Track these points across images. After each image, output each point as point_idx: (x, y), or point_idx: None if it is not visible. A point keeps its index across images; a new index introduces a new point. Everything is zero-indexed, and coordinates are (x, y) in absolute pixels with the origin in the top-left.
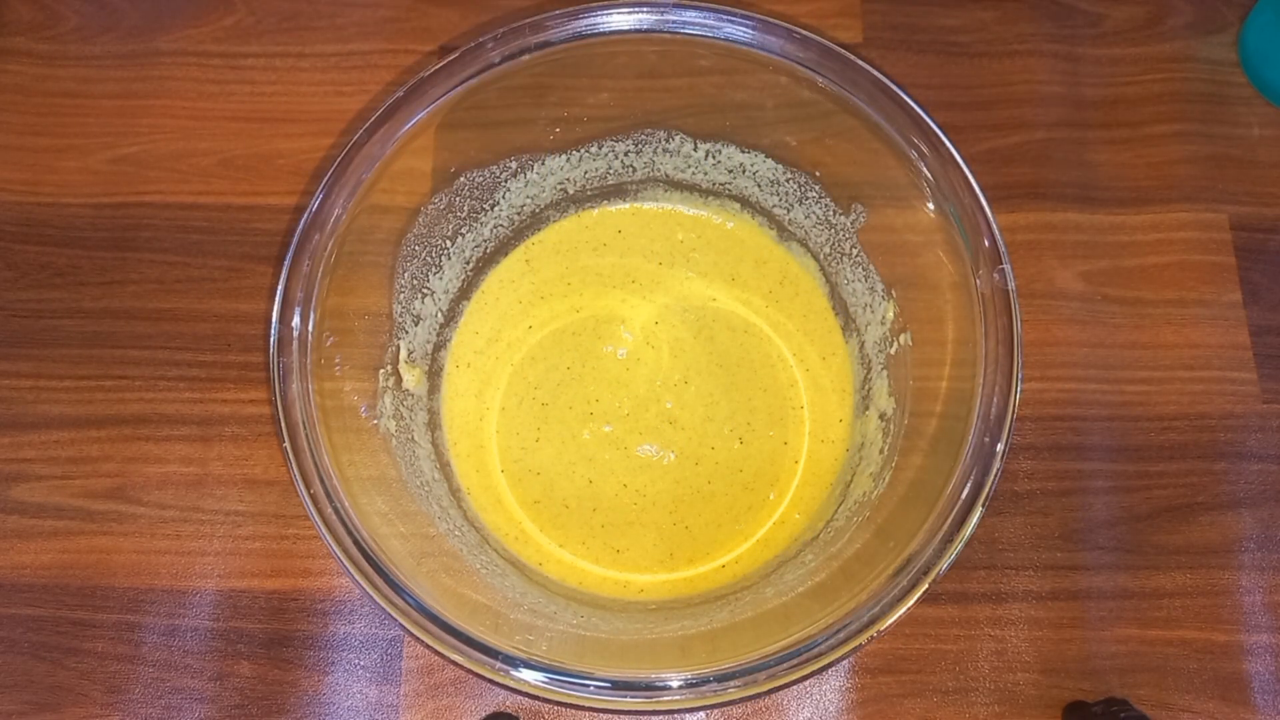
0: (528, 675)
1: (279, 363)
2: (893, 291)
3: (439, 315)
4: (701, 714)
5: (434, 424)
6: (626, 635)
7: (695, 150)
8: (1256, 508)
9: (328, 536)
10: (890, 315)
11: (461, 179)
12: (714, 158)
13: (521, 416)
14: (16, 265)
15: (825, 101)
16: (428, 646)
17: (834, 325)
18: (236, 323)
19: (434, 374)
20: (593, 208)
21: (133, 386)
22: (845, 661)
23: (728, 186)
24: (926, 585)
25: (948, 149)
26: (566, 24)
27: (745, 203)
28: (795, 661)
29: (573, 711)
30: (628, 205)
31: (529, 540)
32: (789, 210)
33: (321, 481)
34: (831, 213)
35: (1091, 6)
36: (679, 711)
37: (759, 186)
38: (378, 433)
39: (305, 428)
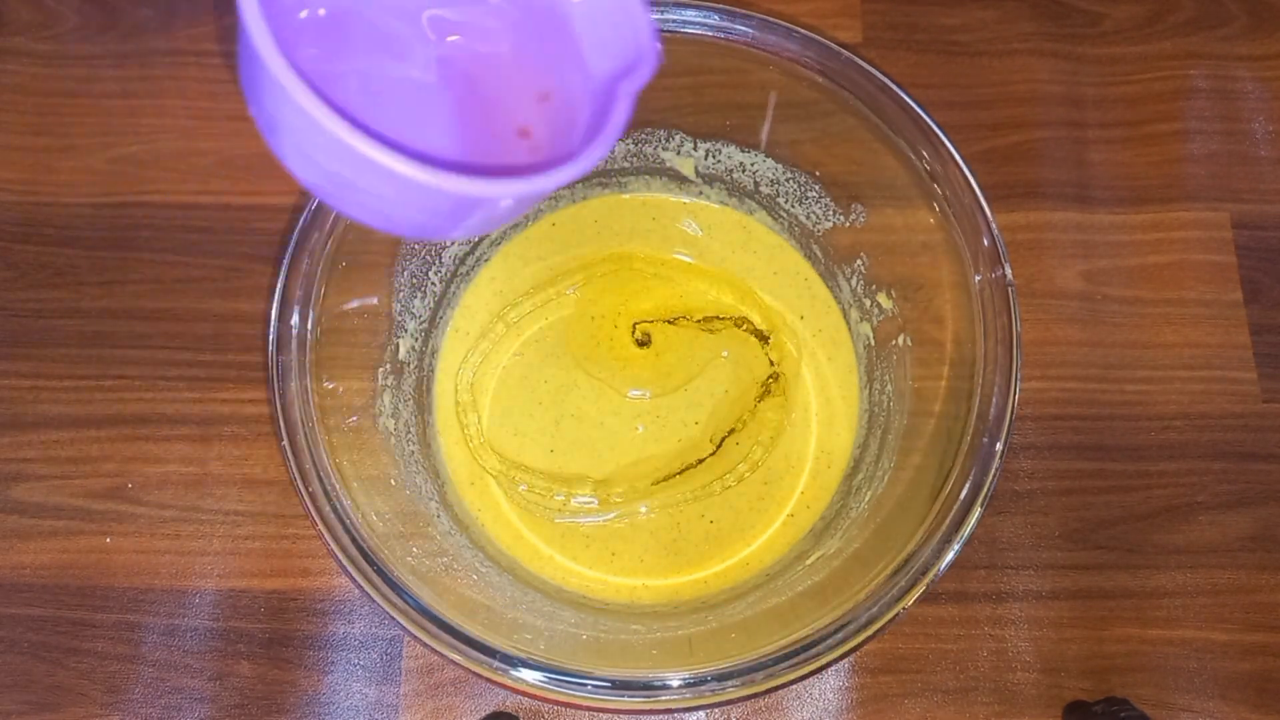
0: (526, 674)
1: (278, 361)
2: (891, 290)
3: (436, 313)
4: (701, 714)
5: (429, 423)
6: (625, 635)
7: (695, 149)
8: (1256, 508)
9: (327, 536)
10: (887, 307)
11: None
12: (714, 157)
13: (516, 416)
14: (16, 265)
15: (825, 101)
16: (427, 646)
17: (840, 321)
18: (236, 322)
19: (429, 372)
20: (589, 199)
21: (132, 386)
22: (845, 661)
23: (728, 183)
24: (925, 585)
25: (947, 149)
26: None
27: (746, 197)
28: (794, 661)
29: (572, 711)
30: (626, 197)
31: (526, 542)
32: (789, 206)
33: (320, 481)
34: (831, 212)
35: (1091, 5)
36: (678, 711)
37: (759, 185)
38: (377, 432)
39: (304, 427)
